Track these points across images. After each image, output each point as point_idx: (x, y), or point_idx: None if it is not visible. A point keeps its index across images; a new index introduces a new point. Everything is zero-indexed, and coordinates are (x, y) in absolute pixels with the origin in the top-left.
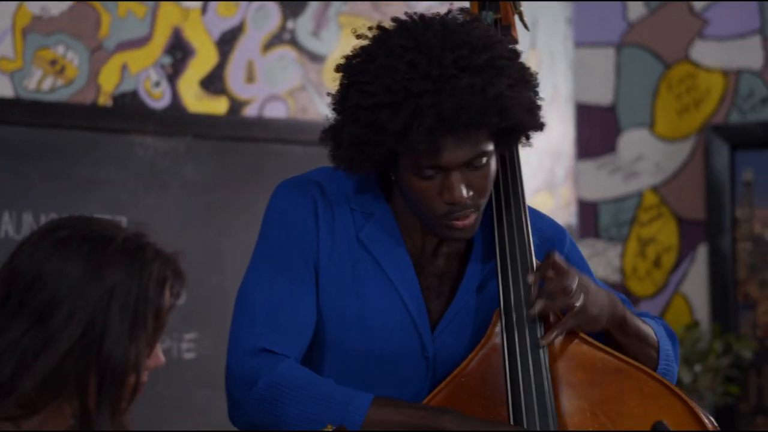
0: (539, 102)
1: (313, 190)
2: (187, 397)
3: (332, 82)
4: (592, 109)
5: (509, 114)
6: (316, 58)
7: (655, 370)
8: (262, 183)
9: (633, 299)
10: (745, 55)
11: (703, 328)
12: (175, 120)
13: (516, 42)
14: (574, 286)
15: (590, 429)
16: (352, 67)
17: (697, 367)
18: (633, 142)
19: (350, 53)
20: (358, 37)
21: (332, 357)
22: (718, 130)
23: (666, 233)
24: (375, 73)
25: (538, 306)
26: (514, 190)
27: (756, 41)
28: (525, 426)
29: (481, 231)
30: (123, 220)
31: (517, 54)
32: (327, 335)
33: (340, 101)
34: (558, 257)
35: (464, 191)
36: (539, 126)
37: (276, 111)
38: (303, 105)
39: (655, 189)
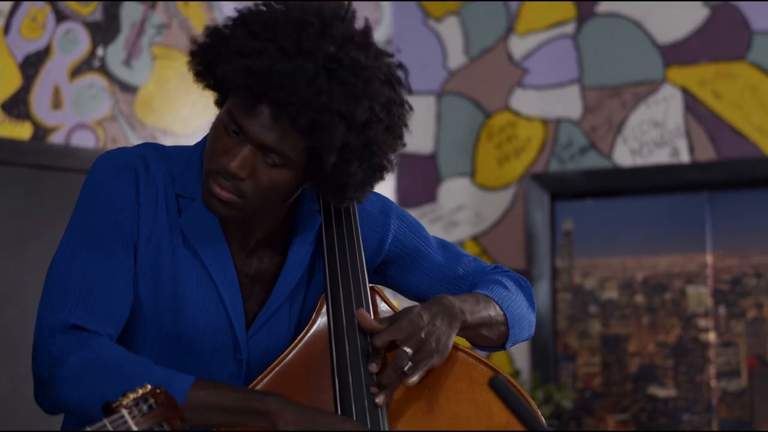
0: (350, 163)
1: (138, 165)
2: None
3: (144, 113)
4: (412, 157)
5: (317, 135)
6: (128, 89)
7: (504, 343)
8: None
9: None
10: (564, 104)
11: (523, 377)
12: None
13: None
14: (408, 356)
15: (418, 411)
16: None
17: None
18: (453, 191)
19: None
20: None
21: (144, 342)
22: (538, 179)
23: None
24: (269, 16)
25: (380, 399)
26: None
27: (575, 90)
28: (353, 410)
29: (300, 242)
30: None
31: (397, 109)
32: (140, 318)
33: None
34: (379, 337)
35: (240, 166)
36: (345, 188)
37: (84, 140)
38: (113, 135)
39: (475, 238)
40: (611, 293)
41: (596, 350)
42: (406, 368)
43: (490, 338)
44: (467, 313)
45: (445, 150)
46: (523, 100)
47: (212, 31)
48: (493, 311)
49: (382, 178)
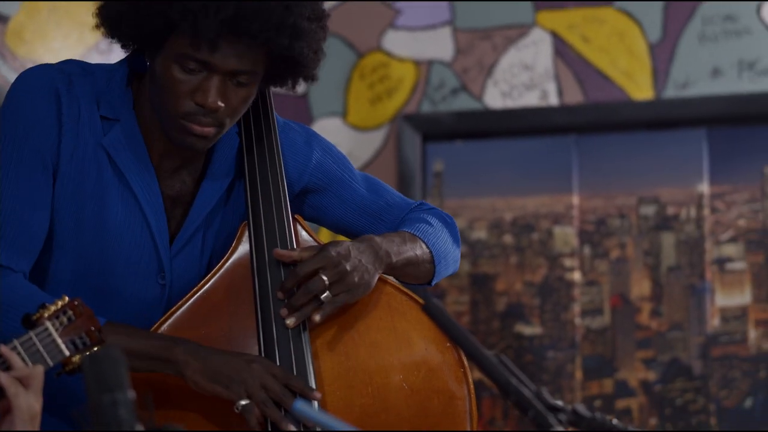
0: (322, 54)
1: (59, 83)
2: None
3: (15, 44)
4: (284, 97)
5: (298, 45)
6: None
7: (432, 279)
8: None
9: None
10: (436, 46)
11: None
12: None
13: None
14: (324, 283)
15: (339, 338)
16: None
17: None
18: (325, 131)
19: None
20: None
21: (65, 260)
22: (410, 120)
23: None
24: None
25: (290, 321)
26: (266, 120)
27: (446, 32)
28: (275, 337)
29: (218, 164)
30: None
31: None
32: (59, 236)
33: None
34: (299, 260)
35: (217, 98)
36: (314, 74)
37: None
38: None
39: None
40: (480, 233)
41: (465, 289)
42: (323, 296)
43: (416, 276)
44: (393, 255)
45: (317, 90)
46: (396, 41)
47: None
48: (419, 250)
49: (325, 38)
